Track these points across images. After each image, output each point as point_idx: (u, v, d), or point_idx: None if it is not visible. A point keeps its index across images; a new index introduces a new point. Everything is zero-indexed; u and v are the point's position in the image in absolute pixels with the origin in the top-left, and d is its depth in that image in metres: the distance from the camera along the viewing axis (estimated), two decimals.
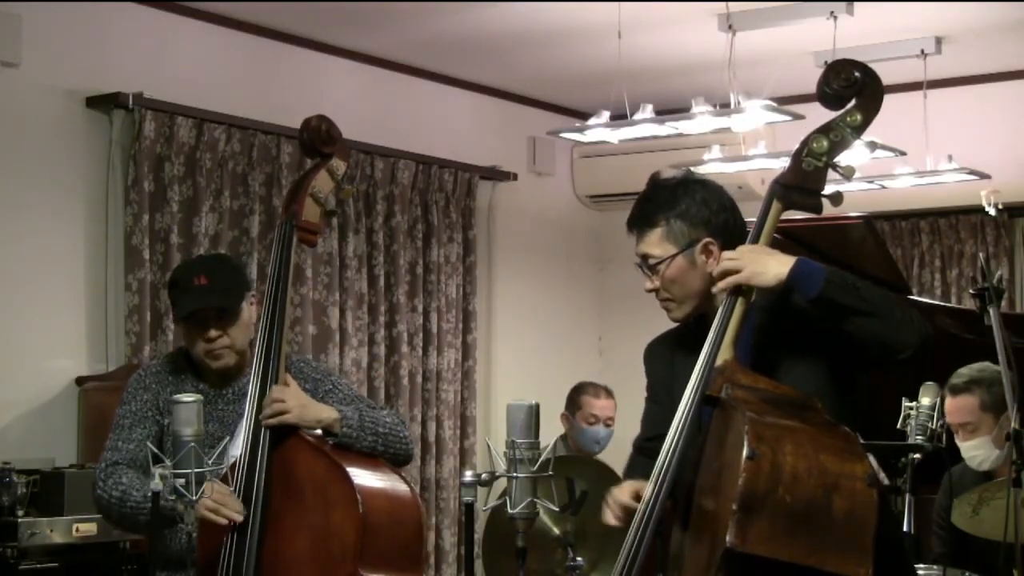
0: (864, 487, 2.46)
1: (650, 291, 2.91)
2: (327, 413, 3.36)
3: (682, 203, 2.87)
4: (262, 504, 3.26)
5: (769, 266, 2.70)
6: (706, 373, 2.72)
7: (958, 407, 4.29)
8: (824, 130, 2.79)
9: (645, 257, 2.89)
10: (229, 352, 3.47)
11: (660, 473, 2.74)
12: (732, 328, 2.74)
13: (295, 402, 3.32)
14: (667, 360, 2.99)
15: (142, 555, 4.88)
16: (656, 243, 2.87)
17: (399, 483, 3.36)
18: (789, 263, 2.69)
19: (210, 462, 3.01)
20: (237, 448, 3.34)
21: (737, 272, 2.72)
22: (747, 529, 2.41)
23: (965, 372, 4.27)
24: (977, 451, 4.28)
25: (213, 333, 3.44)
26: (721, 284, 2.75)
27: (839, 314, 2.68)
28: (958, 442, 4.34)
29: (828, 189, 2.78)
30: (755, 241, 2.79)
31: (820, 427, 2.58)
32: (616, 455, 4.32)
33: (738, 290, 2.74)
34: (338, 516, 3.22)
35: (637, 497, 2.80)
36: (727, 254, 2.76)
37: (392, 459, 3.42)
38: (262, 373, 3.35)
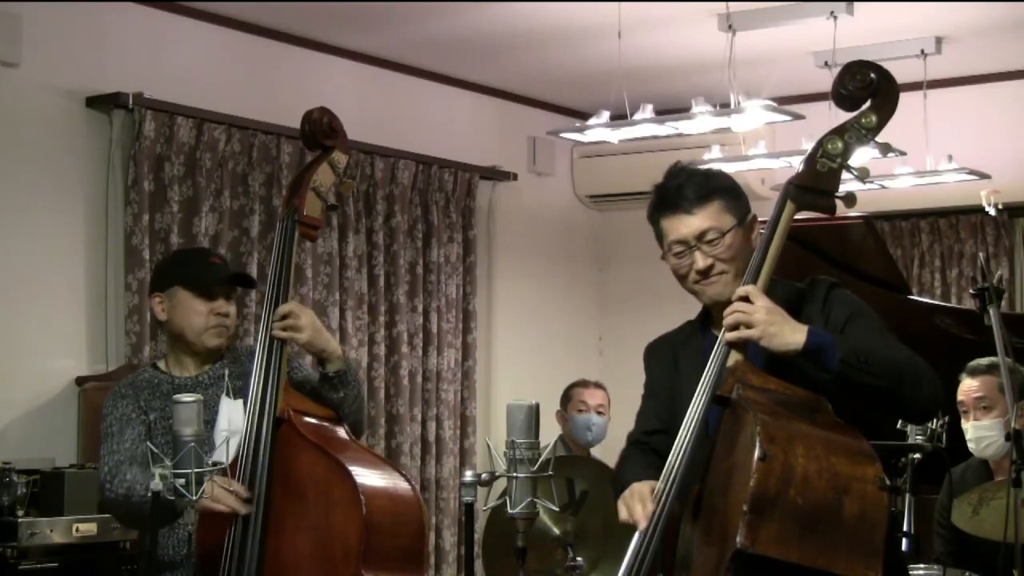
0: (875, 490, 2.46)
1: (703, 268, 2.83)
2: (334, 345, 3.46)
3: (727, 180, 2.91)
4: (264, 504, 3.26)
5: (784, 331, 2.65)
6: (717, 373, 2.71)
7: (977, 385, 4.32)
8: (839, 131, 2.78)
9: (703, 233, 2.82)
10: (228, 331, 3.57)
11: (670, 474, 2.73)
12: None
13: (309, 322, 3.39)
14: (670, 360, 2.98)
15: None
16: (716, 216, 2.83)
17: (401, 482, 3.36)
18: (803, 332, 2.65)
19: (209, 461, 3.01)
20: (222, 423, 3.40)
21: (751, 328, 2.66)
22: (757, 530, 2.41)
23: (985, 359, 4.28)
24: (988, 432, 4.29)
25: (226, 307, 3.54)
26: (731, 336, 2.69)
27: (853, 390, 2.66)
28: (967, 424, 4.34)
29: (842, 190, 2.78)
30: (768, 241, 2.78)
31: (831, 429, 2.57)
32: (614, 454, 4.32)
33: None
34: (340, 516, 3.22)
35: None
36: (739, 306, 2.69)
37: (356, 424, 3.51)
38: (265, 369, 3.36)
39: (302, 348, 3.46)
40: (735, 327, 2.68)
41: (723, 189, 2.87)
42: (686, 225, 2.84)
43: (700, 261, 2.83)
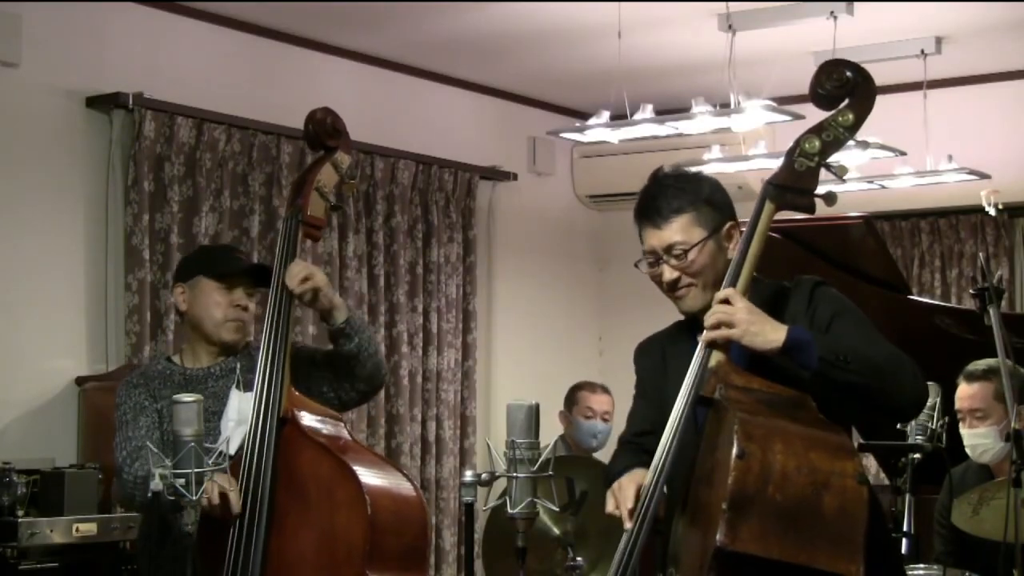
0: (855, 485, 2.48)
1: (670, 281, 2.85)
2: (339, 297, 3.58)
3: (704, 189, 2.89)
4: (267, 504, 3.26)
5: (765, 330, 2.67)
6: (700, 374, 2.72)
7: (973, 393, 4.31)
8: (816, 130, 2.79)
9: (670, 246, 2.84)
10: (247, 325, 3.59)
11: (655, 474, 2.75)
12: None
13: (323, 276, 3.49)
14: (658, 360, 2.99)
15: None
16: (684, 229, 2.84)
17: (404, 482, 3.36)
18: (783, 331, 2.66)
19: (212, 457, 3.01)
20: (231, 414, 3.41)
21: (731, 328, 2.67)
22: (737, 528, 2.43)
23: (983, 363, 4.28)
24: (983, 440, 4.28)
25: (245, 300, 3.56)
26: (712, 335, 2.69)
27: (834, 387, 2.67)
28: (963, 430, 4.34)
29: (822, 189, 2.78)
30: (748, 241, 2.77)
31: (812, 425, 2.59)
32: None
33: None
34: (345, 517, 3.22)
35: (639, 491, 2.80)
36: (721, 308, 2.70)
37: (377, 368, 3.58)
38: (269, 369, 3.38)
39: (314, 305, 3.52)
40: (716, 327, 2.69)
41: (697, 201, 2.86)
42: (655, 237, 2.87)
43: (667, 274, 2.86)
